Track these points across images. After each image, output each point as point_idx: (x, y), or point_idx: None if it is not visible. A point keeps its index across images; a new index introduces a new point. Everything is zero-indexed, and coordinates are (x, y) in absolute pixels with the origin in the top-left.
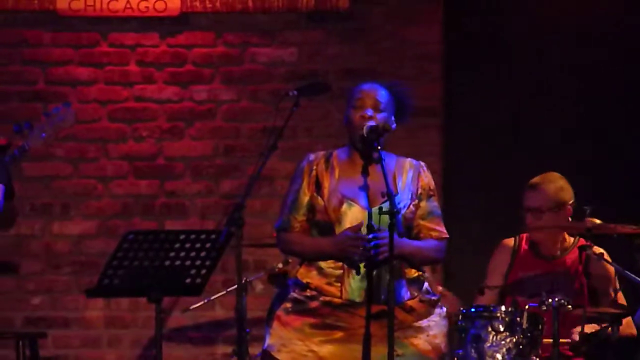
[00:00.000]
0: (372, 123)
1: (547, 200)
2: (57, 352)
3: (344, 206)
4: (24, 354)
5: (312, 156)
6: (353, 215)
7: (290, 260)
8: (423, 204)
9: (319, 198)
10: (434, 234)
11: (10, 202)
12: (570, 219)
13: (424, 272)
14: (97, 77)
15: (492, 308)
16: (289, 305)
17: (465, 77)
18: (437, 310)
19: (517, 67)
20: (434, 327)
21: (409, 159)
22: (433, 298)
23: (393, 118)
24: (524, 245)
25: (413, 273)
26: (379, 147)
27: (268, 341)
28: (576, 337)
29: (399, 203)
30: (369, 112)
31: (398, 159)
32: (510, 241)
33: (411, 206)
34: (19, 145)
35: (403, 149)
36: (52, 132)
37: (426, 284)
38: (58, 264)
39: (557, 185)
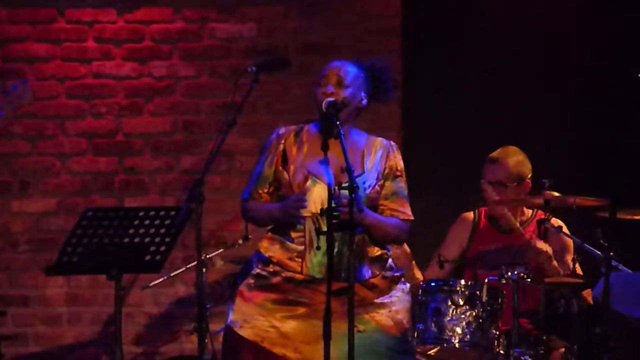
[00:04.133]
0: (331, 99)
1: (508, 174)
2: (16, 330)
3: (309, 182)
4: None
5: (281, 130)
6: (317, 191)
7: (250, 237)
8: (388, 184)
9: (285, 172)
10: (397, 214)
11: None
12: (527, 192)
13: (387, 250)
14: (54, 53)
15: (451, 282)
16: (251, 281)
17: (425, 50)
18: (400, 286)
19: (479, 40)
20: (397, 302)
21: (379, 138)
22: (396, 274)
23: (363, 94)
24: (484, 219)
25: (376, 251)
26: (338, 123)
27: (231, 317)
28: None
29: (364, 182)
30: (330, 89)
31: (369, 138)
32: (470, 215)
33: (376, 186)
34: None
35: (363, 123)
36: (10, 109)
37: (390, 261)
38: (17, 241)
39: (517, 159)
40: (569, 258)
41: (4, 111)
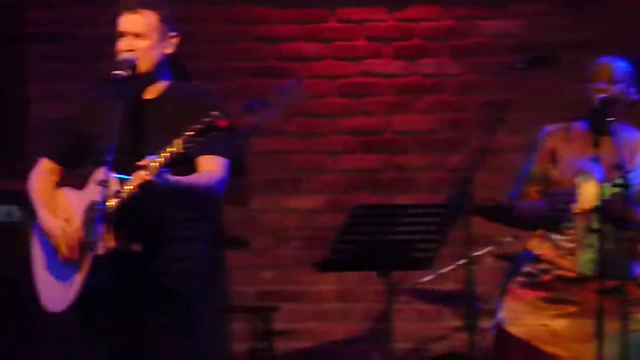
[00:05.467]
0: (602, 95)
1: None
2: (288, 325)
3: (579, 179)
4: (257, 327)
5: (549, 127)
6: (587, 188)
7: (519, 234)
8: None
9: (554, 170)
10: None
11: (242, 178)
12: None
13: None
14: (325, 52)
15: None
16: (521, 278)
17: None
18: None
19: None
20: None
21: None
22: None
23: (634, 90)
24: None
25: None
26: (611, 119)
27: (500, 314)
28: None
29: (635, 178)
30: (601, 85)
31: None
32: None
33: None
34: (251, 123)
35: (634, 119)
36: (283, 108)
37: None
38: (288, 238)
39: None
40: None
41: (277, 110)
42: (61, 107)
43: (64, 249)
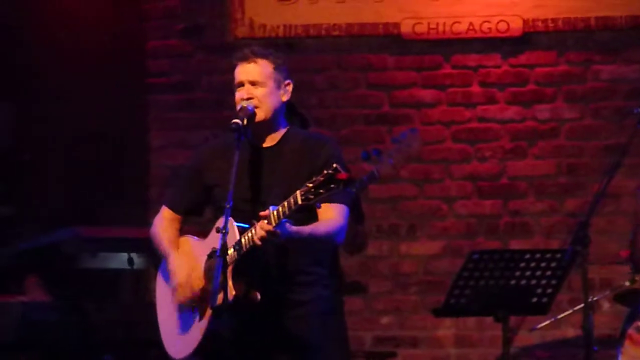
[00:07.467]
0: None
1: None
2: None
3: None
4: None
5: None
6: None
7: (637, 279)
8: None
9: None
10: None
11: (360, 226)
12: None
13: None
14: (440, 99)
15: None
16: (639, 323)
17: None
18: None
19: None
20: None
21: None
22: None
23: None
24: None
25: None
26: None
27: None
28: None
29: None
30: None
31: None
32: None
33: None
34: (369, 172)
35: None
36: (400, 157)
37: None
38: (405, 283)
39: None
40: None
41: (393, 159)
42: (182, 155)
43: (181, 296)
